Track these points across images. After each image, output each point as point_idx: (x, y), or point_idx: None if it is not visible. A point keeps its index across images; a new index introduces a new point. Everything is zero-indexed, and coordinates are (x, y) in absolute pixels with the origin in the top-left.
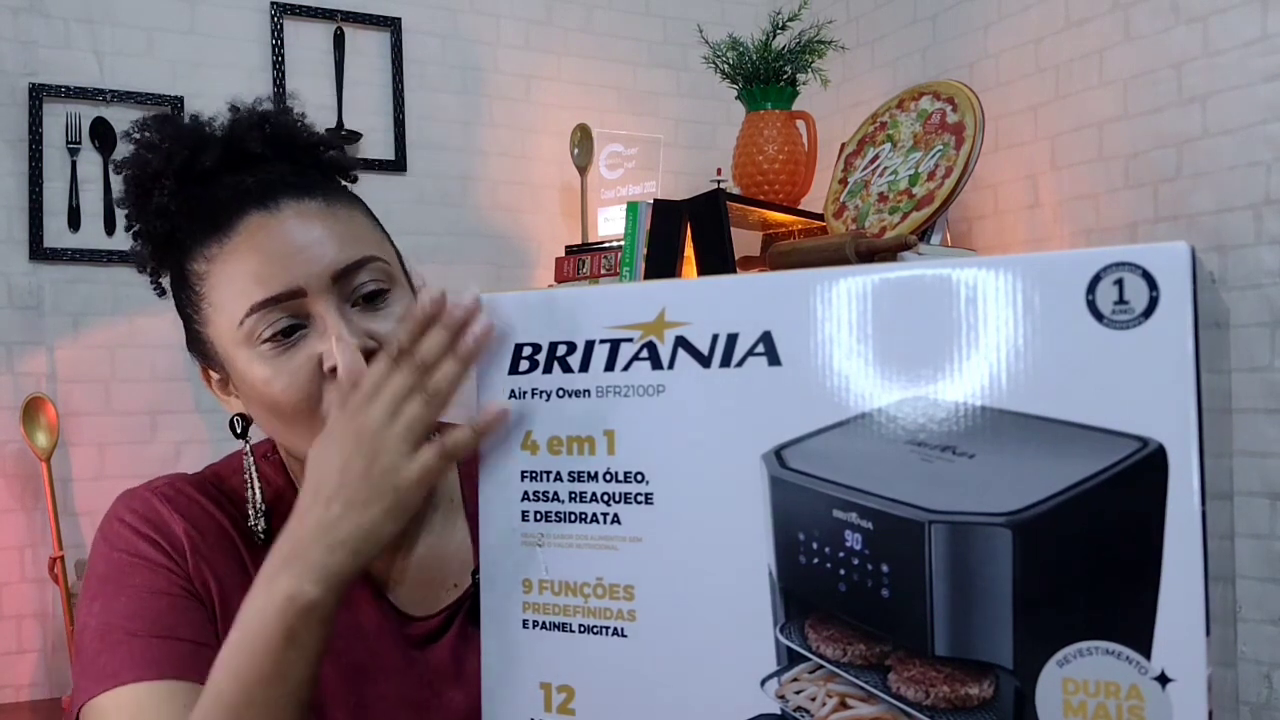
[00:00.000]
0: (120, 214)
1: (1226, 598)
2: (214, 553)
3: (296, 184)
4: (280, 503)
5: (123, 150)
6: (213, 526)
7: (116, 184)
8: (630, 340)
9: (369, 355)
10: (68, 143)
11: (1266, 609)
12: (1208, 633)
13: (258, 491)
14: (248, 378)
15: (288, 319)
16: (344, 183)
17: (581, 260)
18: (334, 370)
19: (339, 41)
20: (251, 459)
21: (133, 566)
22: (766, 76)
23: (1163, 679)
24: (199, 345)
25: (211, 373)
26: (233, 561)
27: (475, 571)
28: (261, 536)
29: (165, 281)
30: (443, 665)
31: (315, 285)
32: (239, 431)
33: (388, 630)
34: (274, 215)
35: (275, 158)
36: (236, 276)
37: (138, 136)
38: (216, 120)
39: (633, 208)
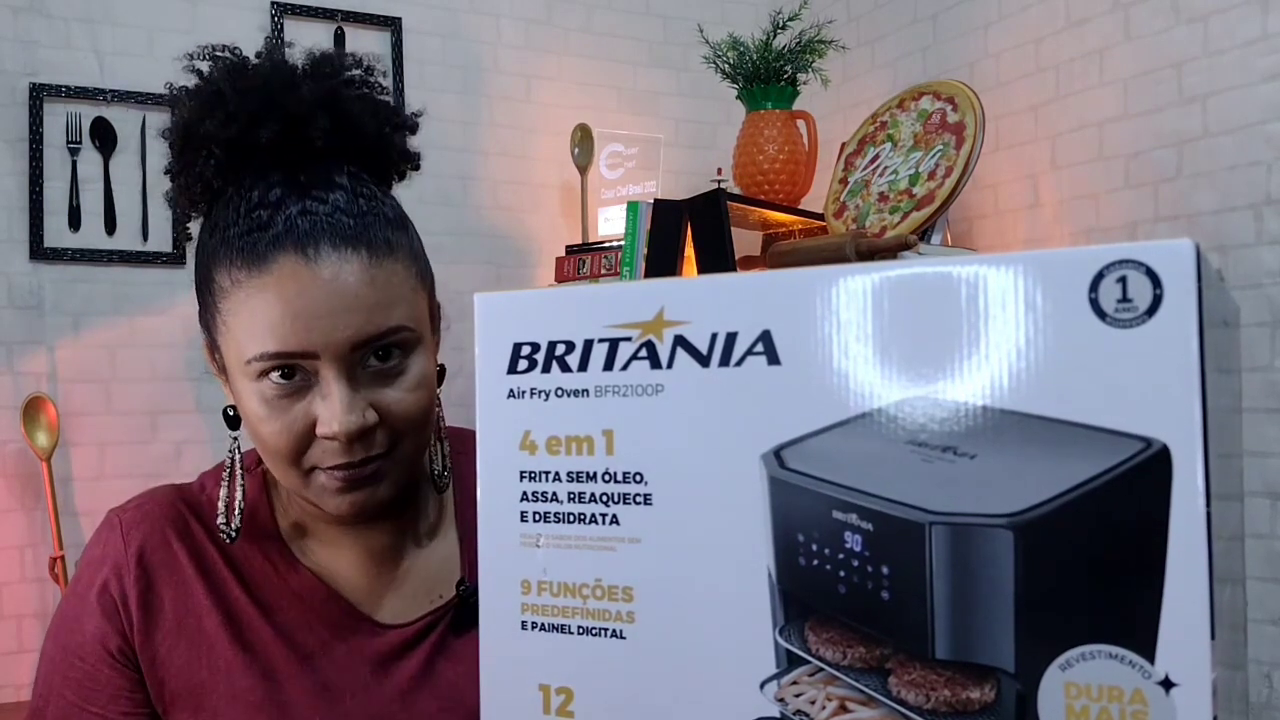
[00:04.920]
0: (165, 147)
1: (1236, 599)
2: (164, 615)
3: (344, 227)
4: (252, 517)
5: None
6: (175, 577)
7: (163, 120)
8: (629, 339)
9: (367, 431)
10: (68, 143)
11: (1267, 609)
12: (1212, 636)
13: (236, 494)
14: (243, 402)
15: (294, 369)
16: (395, 200)
17: (582, 260)
18: (326, 436)
19: (339, 41)
20: (236, 457)
21: (80, 648)
22: (767, 76)
23: (1166, 683)
24: (209, 333)
25: (216, 354)
26: (196, 598)
27: (460, 583)
28: (231, 538)
29: (192, 228)
30: (415, 675)
31: (331, 353)
32: (230, 424)
33: (359, 646)
34: (310, 266)
35: (336, 151)
36: (255, 316)
37: (204, 69)
38: (288, 64)
39: (633, 207)
